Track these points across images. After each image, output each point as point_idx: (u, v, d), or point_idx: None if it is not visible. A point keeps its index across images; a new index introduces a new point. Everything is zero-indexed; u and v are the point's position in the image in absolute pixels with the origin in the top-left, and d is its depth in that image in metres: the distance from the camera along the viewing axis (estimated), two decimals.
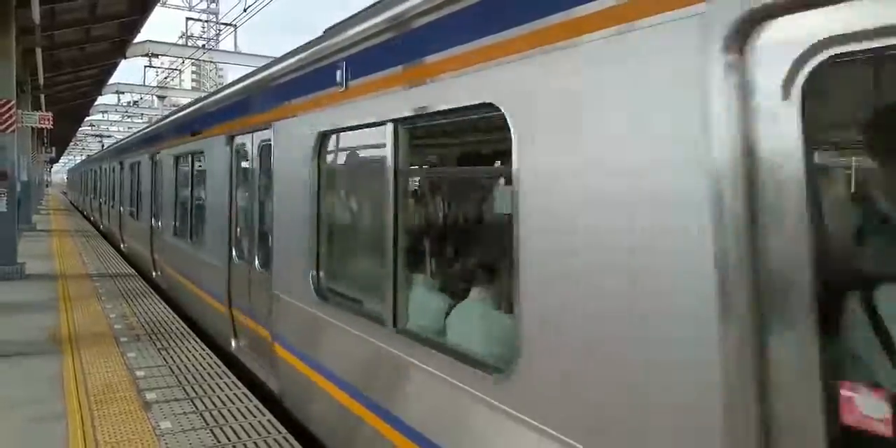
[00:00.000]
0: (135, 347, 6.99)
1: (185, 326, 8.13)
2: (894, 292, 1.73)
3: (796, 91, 1.67)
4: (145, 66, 30.10)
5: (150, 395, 5.43)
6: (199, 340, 7.43)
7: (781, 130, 1.69)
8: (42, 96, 23.69)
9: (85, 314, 8.66)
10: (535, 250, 2.50)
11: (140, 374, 6.05)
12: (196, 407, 5.20)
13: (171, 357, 6.66)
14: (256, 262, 6.40)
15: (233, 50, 28.14)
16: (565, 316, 2.35)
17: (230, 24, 25.27)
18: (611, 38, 2.16)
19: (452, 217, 5.45)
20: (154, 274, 12.00)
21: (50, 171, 74.86)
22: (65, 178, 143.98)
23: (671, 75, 1.97)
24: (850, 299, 1.76)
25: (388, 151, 3.73)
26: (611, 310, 2.16)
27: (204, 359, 6.64)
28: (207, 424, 4.83)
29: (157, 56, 24.94)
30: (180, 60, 26.87)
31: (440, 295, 4.00)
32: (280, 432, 4.72)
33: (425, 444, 3.15)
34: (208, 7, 32.66)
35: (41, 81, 20.02)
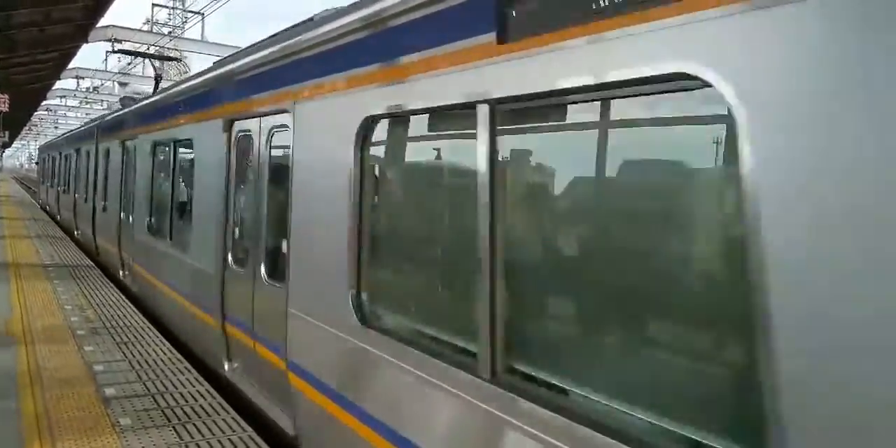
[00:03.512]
0: (92, 341, 6.79)
1: (145, 320, 7.93)
2: None
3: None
4: (107, 52, 29.21)
5: (109, 391, 5.28)
6: (158, 334, 7.26)
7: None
8: None
9: (39, 305, 8.36)
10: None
11: (98, 368, 5.87)
12: (158, 403, 5.07)
13: (131, 351, 6.49)
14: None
15: (199, 39, 27.55)
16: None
17: (198, 13, 24.72)
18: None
19: None
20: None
21: (1, 156, 70.01)
22: (22, 163, 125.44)
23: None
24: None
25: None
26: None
27: (165, 354, 6.49)
28: (170, 422, 4.72)
29: (120, 41, 24.23)
30: (144, 47, 26.15)
31: None
32: (245, 430, 4.64)
33: None
34: None
35: None
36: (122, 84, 33.58)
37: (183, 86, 8.21)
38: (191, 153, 7.50)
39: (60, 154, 23.04)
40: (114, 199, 11.98)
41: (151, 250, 8.92)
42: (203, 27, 26.23)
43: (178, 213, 8.06)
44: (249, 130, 5.74)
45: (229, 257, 6.00)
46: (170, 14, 30.74)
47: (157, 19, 28.47)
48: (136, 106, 11.31)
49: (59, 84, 34.45)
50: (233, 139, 6.08)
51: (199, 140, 7.04)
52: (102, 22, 20.75)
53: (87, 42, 22.05)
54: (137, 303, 9.09)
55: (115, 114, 13.39)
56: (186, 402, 5.15)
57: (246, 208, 5.92)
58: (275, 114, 5.13)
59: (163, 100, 9.13)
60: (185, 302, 7.22)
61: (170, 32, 26.12)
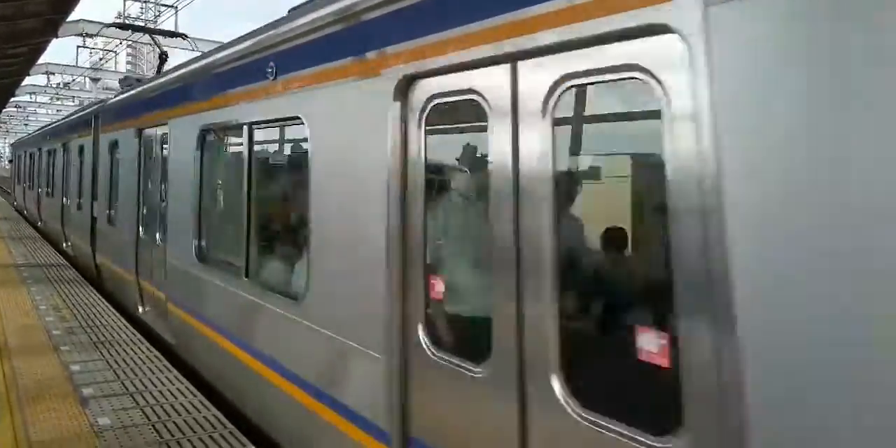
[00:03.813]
0: (68, 341, 6.68)
1: (121, 318, 7.82)
2: None
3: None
4: (78, 47, 28.71)
5: (87, 391, 5.21)
6: (136, 332, 7.17)
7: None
8: None
9: (12, 305, 8.21)
10: None
11: (75, 368, 5.79)
12: (137, 402, 5.02)
13: (108, 351, 6.40)
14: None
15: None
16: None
17: (171, 6, 24.31)
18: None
19: None
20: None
21: None
22: None
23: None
24: None
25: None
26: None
27: (143, 352, 6.41)
28: (149, 420, 4.67)
29: (91, 36, 23.79)
30: (116, 42, 25.72)
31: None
32: (226, 427, 4.61)
33: None
34: None
35: None
36: (95, 80, 33.00)
37: (278, 29, 4.71)
38: (293, 142, 5.14)
39: (41, 150, 19.14)
40: (127, 208, 8.89)
41: (208, 289, 5.95)
42: (177, 21, 25.81)
43: (266, 239, 5.40)
44: (477, 93, 2.91)
45: (420, 333, 3.18)
46: (142, 8, 30.20)
47: (129, 13, 27.97)
48: (166, 78, 7.80)
49: (28, 80, 33.76)
50: (416, 112, 3.29)
51: (319, 118, 4.17)
52: (73, 16, 20.35)
53: (56, 36, 21.61)
54: (175, 359, 6.43)
55: (126, 94, 9.83)
56: (166, 400, 5.10)
57: (486, 242, 2.84)
58: (594, 44, 2.34)
59: (222, 62, 5.73)
60: (293, 390, 4.28)
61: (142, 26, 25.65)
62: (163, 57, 11.61)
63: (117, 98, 10.33)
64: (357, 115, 3.73)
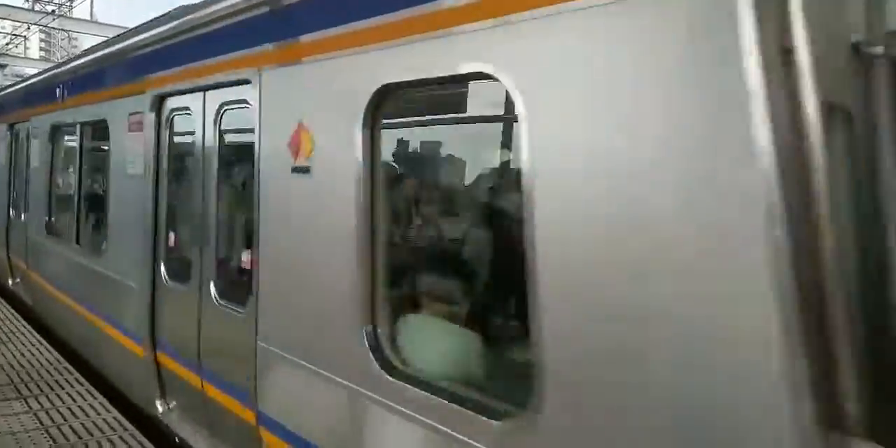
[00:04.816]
0: None
1: (21, 319, 7.40)
2: None
3: None
4: None
5: None
6: (35, 333, 6.79)
7: None
8: None
9: None
10: None
11: None
12: (30, 406, 4.76)
13: (3, 354, 6.04)
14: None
15: (89, 18, 25.85)
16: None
17: None
18: None
19: None
20: None
21: None
22: None
23: None
24: None
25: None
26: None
27: (42, 354, 6.09)
28: (43, 425, 4.44)
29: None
30: (25, 26, 24.24)
31: None
32: (126, 429, 4.44)
33: None
34: None
35: None
36: (1, 66, 31.01)
37: None
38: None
39: (14, 131, 9.27)
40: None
41: None
42: (92, 6, 24.57)
43: None
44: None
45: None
46: None
47: None
48: None
49: None
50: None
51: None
52: None
53: None
54: None
55: None
56: (63, 402, 4.84)
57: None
58: None
59: None
60: None
61: (54, 11, 24.31)
62: None
63: None
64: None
